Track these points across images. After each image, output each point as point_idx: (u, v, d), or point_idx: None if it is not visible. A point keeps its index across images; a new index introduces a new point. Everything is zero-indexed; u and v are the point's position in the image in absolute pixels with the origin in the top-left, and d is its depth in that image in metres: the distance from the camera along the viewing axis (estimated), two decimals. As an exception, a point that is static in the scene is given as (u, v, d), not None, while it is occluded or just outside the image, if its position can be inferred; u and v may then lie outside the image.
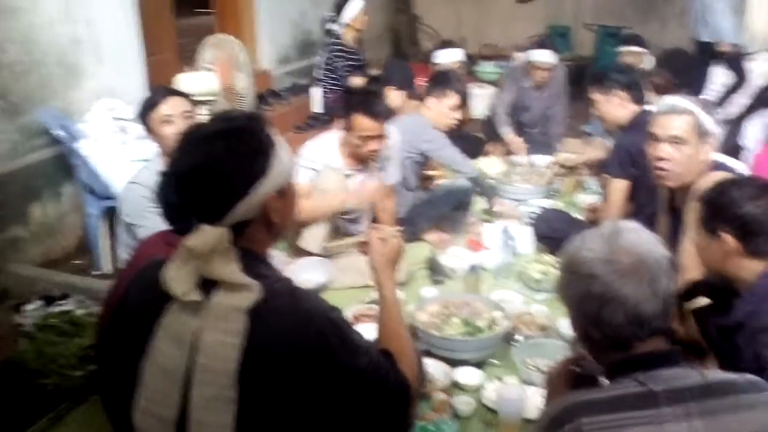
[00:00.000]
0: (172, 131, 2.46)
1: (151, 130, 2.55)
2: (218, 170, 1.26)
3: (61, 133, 3.28)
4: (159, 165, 2.33)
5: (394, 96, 4.04)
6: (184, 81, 3.70)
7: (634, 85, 3.29)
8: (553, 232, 3.43)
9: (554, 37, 7.97)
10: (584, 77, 7.41)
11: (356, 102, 3.12)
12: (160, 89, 2.73)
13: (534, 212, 3.83)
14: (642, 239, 1.37)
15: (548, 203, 4.06)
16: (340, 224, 3.44)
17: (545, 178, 4.34)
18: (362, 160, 3.22)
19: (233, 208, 1.26)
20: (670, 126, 2.46)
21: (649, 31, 7.75)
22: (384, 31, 8.19)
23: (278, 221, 1.36)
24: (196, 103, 3.69)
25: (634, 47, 4.98)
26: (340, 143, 3.22)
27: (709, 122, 2.42)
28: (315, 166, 3.14)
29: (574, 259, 1.37)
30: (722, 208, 1.91)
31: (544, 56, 4.92)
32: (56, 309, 2.85)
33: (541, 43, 5.13)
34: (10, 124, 3.26)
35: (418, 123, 3.61)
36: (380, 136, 3.11)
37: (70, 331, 2.64)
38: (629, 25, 7.69)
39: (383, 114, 3.10)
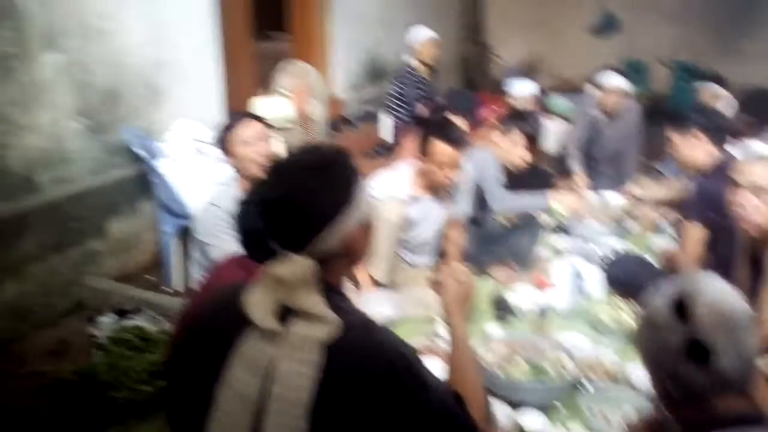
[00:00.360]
0: (249, 153, 2.53)
1: (228, 153, 2.62)
2: (307, 200, 1.29)
3: (141, 152, 3.40)
4: (236, 188, 2.38)
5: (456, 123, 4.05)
6: (260, 106, 3.78)
7: (714, 127, 3.19)
8: (626, 276, 3.33)
9: (629, 72, 7.85)
10: (658, 114, 7.30)
11: (434, 128, 3.15)
12: (238, 113, 2.80)
13: (604, 252, 3.74)
14: (723, 293, 1.33)
15: (619, 243, 3.96)
16: (405, 255, 3.43)
17: (616, 217, 4.23)
18: (436, 189, 3.23)
19: (319, 238, 1.29)
20: (753, 174, 2.37)
21: (729, 70, 7.52)
22: (455, 61, 8.22)
23: (359, 253, 1.39)
24: (272, 128, 3.81)
25: (713, 85, 4.78)
26: (411, 173, 3.24)
27: None
28: (378, 195, 3.15)
29: (653, 311, 1.34)
30: None
31: (616, 80, 4.81)
32: (129, 323, 2.93)
33: (612, 70, 5.03)
34: (95, 142, 3.40)
35: (485, 157, 3.60)
36: (456, 164, 3.12)
37: (141, 346, 2.71)
38: (708, 62, 7.50)
39: (460, 141, 3.11)
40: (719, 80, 5.04)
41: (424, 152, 3.13)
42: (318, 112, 3.78)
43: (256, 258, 2.04)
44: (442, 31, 5.82)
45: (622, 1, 8.06)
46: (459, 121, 4.01)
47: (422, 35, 5.27)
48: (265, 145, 2.65)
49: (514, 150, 3.68)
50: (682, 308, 1.30)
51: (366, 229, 1.39)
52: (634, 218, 4.35)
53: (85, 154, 3.35)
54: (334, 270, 1.35)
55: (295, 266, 1.26)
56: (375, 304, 2.90)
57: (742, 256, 2.64)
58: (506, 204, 3.57)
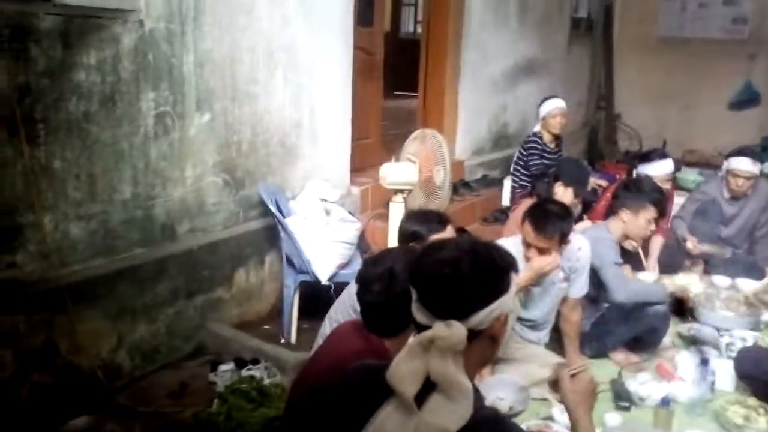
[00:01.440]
0: None
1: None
2: (475, 279, 1.35)
3: (273, 208, 3.57)
4: None
5: (561, 192, 3.95)
6: (387, 170, 3.89)
7: None
8: (761, 374, 3.10)
9: (766, 148, 7.42)
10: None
11: (529, 211, 3.12)
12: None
13: (735, 344, 3.50)
14: None
15: (753, 336, 3.69)
16: (520, 330, 3.36)
17: (750, 305, 3.96)
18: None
19: (476, 313, 1.34)
20: None
21: None
22: (581, 127, 8.11)
23: (499, 338, 1.44)
24: (396, 192, 3.91)
25: None
26: (519, 249, 3.18)
27: None
28: None
29: None
30: None
31: (743, 163, 4.58)
32: (247, 373, 3.04)
33: (742, 151, 4.77)
34: (231, 197, 3.62)
35: (599, 236, 3.48)
36: (544, 249, 3.05)
37: (257, 399, 2.79)
38: None
39: (547, 230, 3.02)
40: None
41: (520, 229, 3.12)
42: (441, 177, 3.83)
43: (379, 332, 2.08)
44: (570, 99, 5.79)
45: (766, 74, 7.69)
46: (568, 194, 3.95)
47: (552, 105, 5.25)
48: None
49: (642, 226, 3.55)
50: None
51: (507, 316, 1.43)
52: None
53: (222, 206, 3.57)
54: (474, 355, 1.39)
55: (454, 329, 1.30)
56: (496, 390, 2.86)
57: None
58: (625, 295, 3.39)
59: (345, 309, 2.48)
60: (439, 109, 5.88)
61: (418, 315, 1.39)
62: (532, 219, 3.06)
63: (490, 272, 1.38)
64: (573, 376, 1.77)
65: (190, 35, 3.27)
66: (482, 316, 1.35)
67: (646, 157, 4.75)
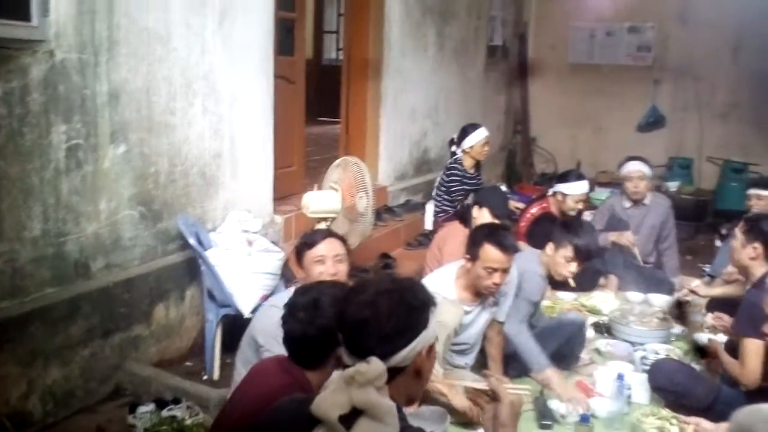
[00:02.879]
0: (320, 273, 2.71)
1: (302, 266, 2.82)
2: (389, 324, 1.43)
3: (193, 241, 3.49)
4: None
5: (479, 216, 3.99)
6: (310, 199, 3.89)
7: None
8: (672, 385, 3.24)
9: (675, 169, 7.84)
10: (705, 212, 7.24)
11: (486, 233, 3.14)
12: (320, 231, 3.09)
13: (649, 358, 3.65)
14: None
15: (665, 349, 3.85)
16: (448, 357, 3.39)
17: (664, 322, 4.13)
18: (479, 294, 3.20)
19: (396, 353, 1.43)
20: None
21: (779, 168, 7.49)
22: (499, 151, 8.34)
23: (425, 373, 1.52)
24: (320, 220, 3.90)
25: (763, 191, 4.68)
26: (456, 276, 3.23)
27: None
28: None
29: None
30: None
31: (633, 166, 4.97)
32: (167, 414, 2.94)
33: (630, 157, 5.14)
34: (149, 230, 3.52)
35: (528, 268, 3.48)
36: (506, 270, 3.10)
37: (178, 439, 2.70)
38: (756, 161, 7.46)
39: (512, 248, 3.10)
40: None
41: (473, 256, 3.11)
42: (364, 203, 3.86)
43: (300, 362, 2.07)
44: (488, 124, 5.94)
45: (670, 98, 8.13)
46: (486, 217, 4.04)
47: (480, 135, 5.32)
48: (339, 266, 2.79)
49: (565, 266, 3.46)
50: None
51: (431, 353, 1.52)
52: (679, 319, 4.25)
53: (139, 240, 3.46)
54: (399, 390, 1.47)
55: (373, 366, 1.37)
56: (427, 422, 2.86)
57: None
58: (517, 337, 3.39)
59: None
60: (362, 135, 5.93)
61: (345, 357, 1.46)
62: (497, 241, 3.05)
63: (407, 312, 1.46)
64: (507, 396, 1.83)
65: (103, 65, 3.18)
66: (403, 355, 1.43)
67: (563, 177, 4.97)
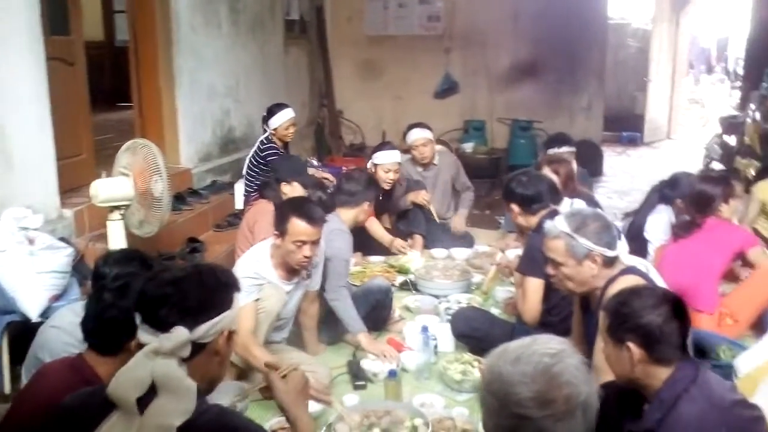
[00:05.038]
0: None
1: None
2: (192, 298, 1.47)
3: (-37, 245, 3.13)
4: (79, 307, 2.24)
5: (289, 191, 4.06)
6: (99, 187, 3.64)
7: (528, 198, 3.37)
8: (472, 330, 3.48)
9: (470, 131, 8.36)
10: (499, 169, 7.81)
11: (291, 207, 3.11)
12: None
13: (452, 308, 3.88)
14: (576, 373, 1.35)
15: (467, 298, 4.12)
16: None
17: (465, 273, 4.41)
18: (294, 270, 3.18)
19: (198, 326, 1.45)
20: (548, 248, 2.60)
21: (559, 125, 8.26)
22: (307, 126, 8.36)
23: (223, 357, 1.56)
24: (112, 209, 3.67)
25: (563, 148, 4.85)
26: (270, 254, 3.18)
27: (583, 244, 2.47)
28: (259, 282, 3.09)
29: (504, 390, 1.32)
30: (625, 318, 1.99)
31: (415, 134, 5.30)
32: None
33: (410, 125, 5.44)
34: None
35: (334, 228, 3.58)
36: (315, 242, 3.10)
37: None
38: (540, 119, 8.16)
39: (319, 219, 3.10)
40: (565, 140, 5.09)
41: (281, 232, 3.07)
42: (160, 188, 3.67)
43: (96, 346, 1.96)
44: (293, 100, 5.90)
45: (461, 65, 8.60)
46: (297, 189, 4.07)
47: (281, 116, 5.26)
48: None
49: (365, 212, 3.85)
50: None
51: (231, 336, 1.56)
52: (478, 269, 4.57)
53: None
54: (199, 367, 1.49)
55: (175, 334, 1.41)
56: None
57: (576, 307, 2.84)
58: (334, 296, 3.48)
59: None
60: (158, 118, 5.63)
61: (144, 336, 1.45)
62: (304, 214, 3.02)
63: (212, 288, 1.51)
64: (284, 377, 1.82)
65: None
66: (205, 329, 1.46)
67: (378, 148, 5.06)
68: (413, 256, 4.72)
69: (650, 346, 1.95)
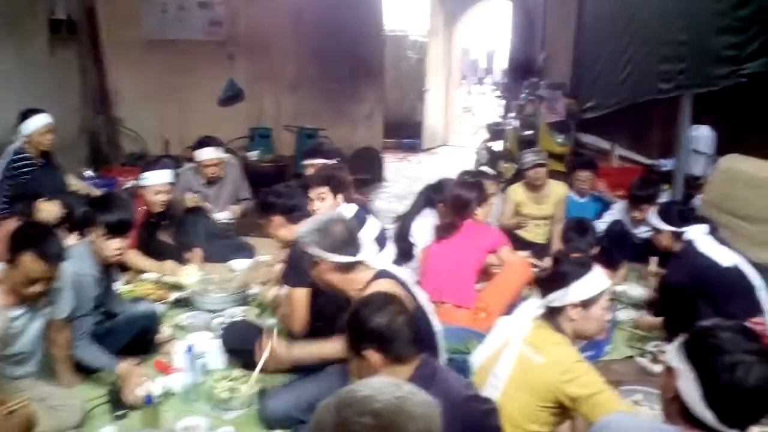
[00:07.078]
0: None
1: None
2: None
3: None
4: None
5: (47, 208, 3.79)
6: None
7: (290, 208, 3.48)
8: (243, 344, 3.41)
9: (256, 139, 8.31)
10: (285, 176, 7.86)
11: (27, 238, 2.81)
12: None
13: (226, 323, 3.80)
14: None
15: (243, 311, 4.07)
16: (6, 369, 3.04)
17: (241, 285, 4.35)
18: (27, 297, 2.90)
19: None
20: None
21: (342, 133, 8.54)
22: (79, 134, 7.77)
23: None
24: None
25: (316, 160, 4.99)
26: (0, 279, 2.87)
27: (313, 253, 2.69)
28: None
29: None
30: (357, 328, 2.09)
31: (209, 153, 5.22)
32: None
33: (205, 142, 5.33)
34: None
35: (78, 259, 3.25)
36: (50, 279, 2.85)
37: None
38: (325, 126, 8.34)
39: (56, 257, 2.83)
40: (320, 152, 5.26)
41: (11, 261, 2.79)
42: None
43: None
44: (62, 106, 5.42)
45: (246, 72, 8.51)
46: (56, 207, 3.78)
47: (35, 122, 4.81)
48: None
49: (107, 245, 3.33)
50: None
51: None
52: (257, 282, 4.54)
53: None
54: None
55: None
56: None
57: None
58: (80, 355, 3.21)
59: None
60: None
61: None
62: (38, 250, 2.76)
63: None
64: (11, 413, 1.67)
65: None
66: None
67: (146, 168, 4.75)
68: (190, 271, 4.56)
69: (384, 347, 2.07)
